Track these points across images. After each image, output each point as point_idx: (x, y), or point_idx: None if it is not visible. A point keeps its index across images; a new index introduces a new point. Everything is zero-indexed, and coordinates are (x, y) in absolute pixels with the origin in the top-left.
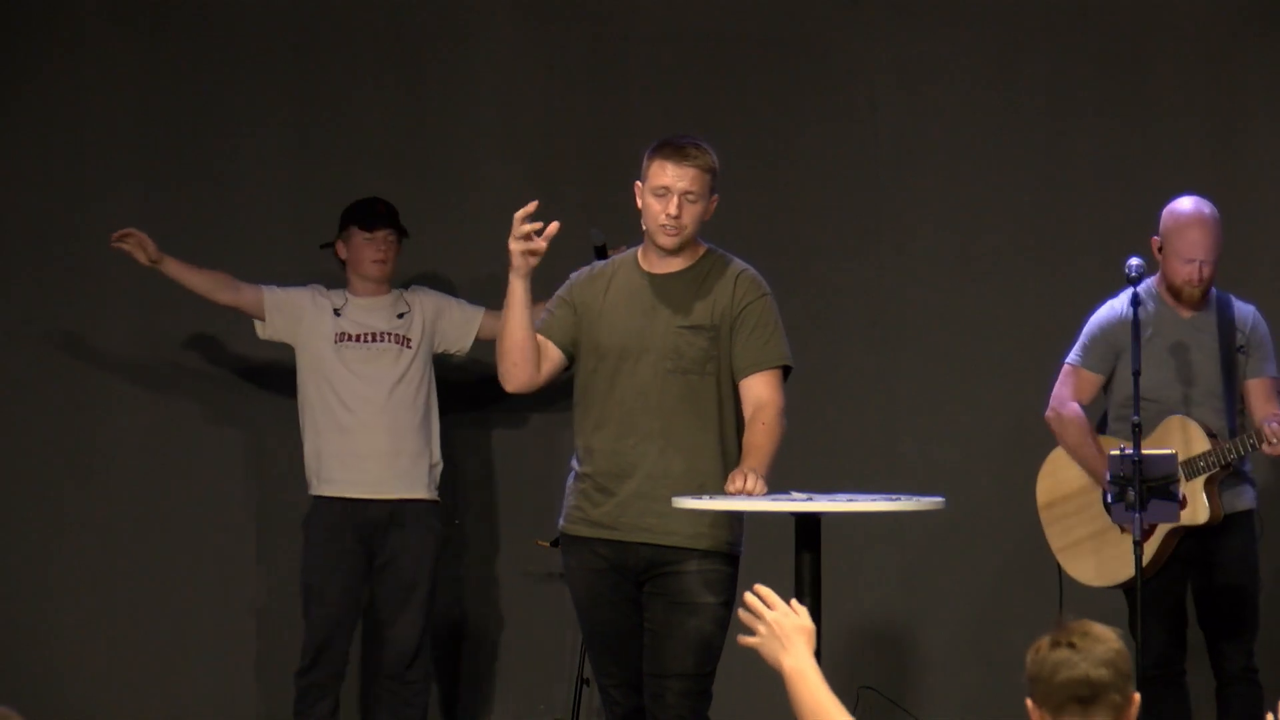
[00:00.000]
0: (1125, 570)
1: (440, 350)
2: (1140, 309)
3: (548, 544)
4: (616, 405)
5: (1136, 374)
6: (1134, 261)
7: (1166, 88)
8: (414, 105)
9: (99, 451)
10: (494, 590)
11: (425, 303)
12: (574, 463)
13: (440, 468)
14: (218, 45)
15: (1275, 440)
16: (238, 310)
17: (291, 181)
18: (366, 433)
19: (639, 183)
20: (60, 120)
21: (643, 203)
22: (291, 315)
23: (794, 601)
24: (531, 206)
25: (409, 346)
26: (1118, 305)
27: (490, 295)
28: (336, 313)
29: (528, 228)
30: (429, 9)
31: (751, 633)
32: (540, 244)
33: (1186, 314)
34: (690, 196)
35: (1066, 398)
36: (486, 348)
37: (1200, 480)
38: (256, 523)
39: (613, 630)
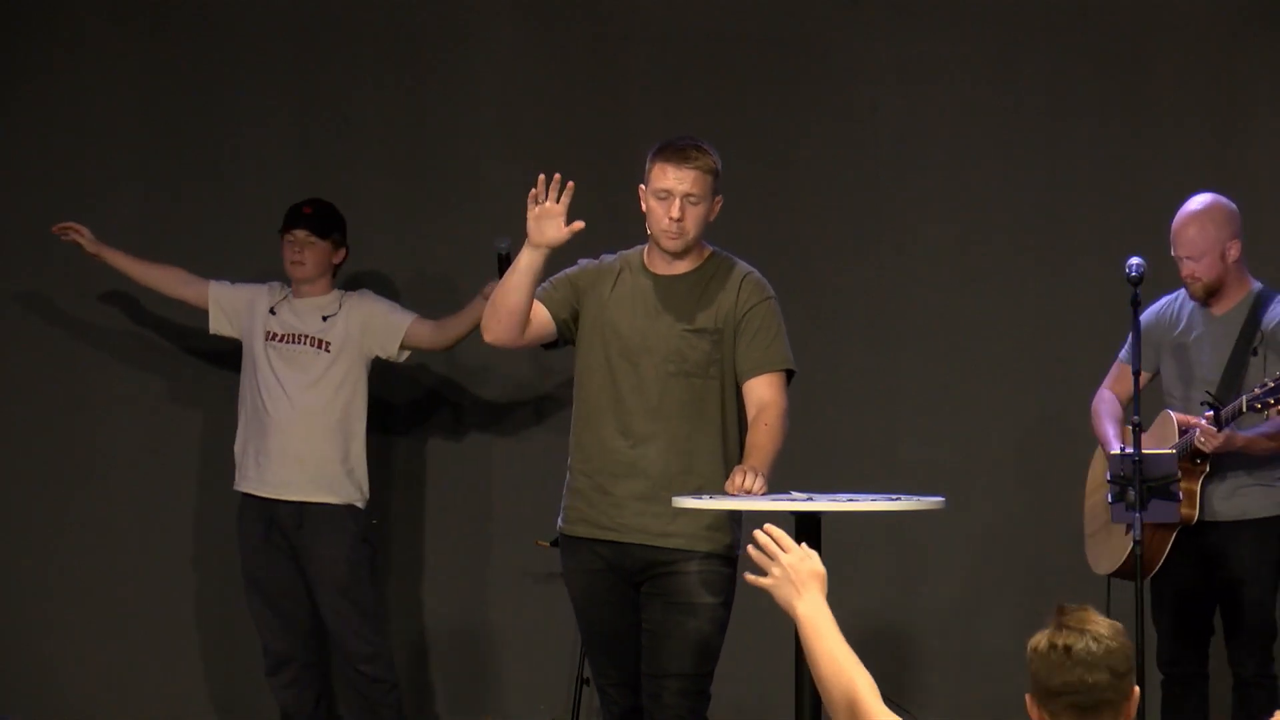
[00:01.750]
0: (1111, 563)
1: (371, 355)
2: (1180, 307)
3: (548, 544)
4: (617, 405)
5: (1137, 374)
6: (1134, 261)
7: (1166, 88)
8: (414, 105)
9: (99, 451)
10: (494, 590)
11: (356, 307)
12: (571, 461)
13: (361, 475)
14: (218, 45)
15: (1204, 439)
16: (186, 304)
17: (292, 181)
18: (279, 433)
19: (642, 185)
20: (60, 120)
21: (646, 206)
22: (233, 311)
23: (804, 545)
24: (555, 178)
25: (327, 350)
26: (1161, 302)
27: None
28: (272, 311)
29: (539, 192)
30: (429, 9)
31: (760, 571)
32: (551, 206)
33: (1218, 311)
34: (692, 199)
35: (1104, 387)
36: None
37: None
38: None
39: (610, 630)
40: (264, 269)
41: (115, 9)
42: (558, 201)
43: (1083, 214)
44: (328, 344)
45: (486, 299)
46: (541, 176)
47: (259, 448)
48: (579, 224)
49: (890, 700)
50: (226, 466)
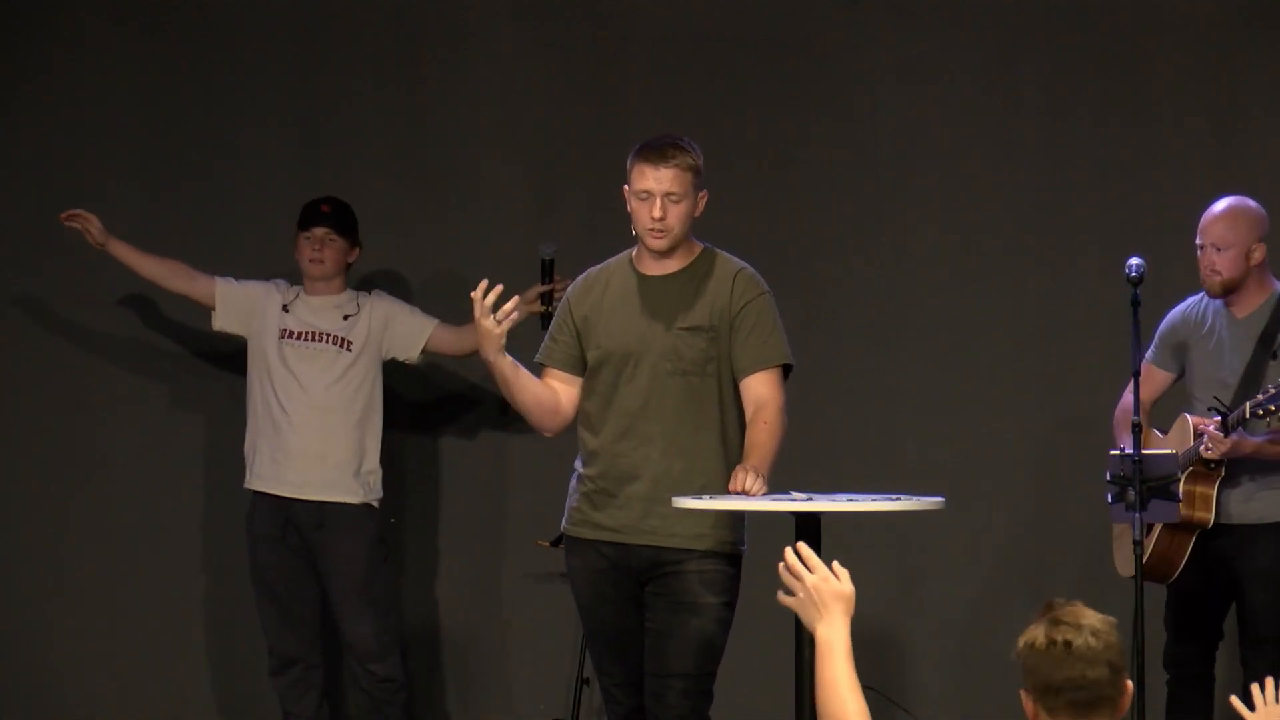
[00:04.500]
0: (1133, 566)
1: (389, 357)
2: (1204, 308)
3: (548, 544)
4: (617, 409)
5: (1136, 374)
6: (1134, 261)
7: (1166, 88)
8: (414, 105)
9: (99, 451)
10: (494, 590)
11: (377, 307)
12: (577, 464)
13: (378, 474)
14: (218, 45)
15: (1210, 445)
16: (189, 299)
17: (291, 181)
18: (296, 432)
19: (626, 187)
20: (60, 120)
21: (630, 207)
22: (243, 308)
23: (835, 564)
24: (483, 285)
25: (349, 349)
26: (1187, 303)
27: None
28: (285, 309)
29: (483, 303)
30: (429, 9)
31: (790, 591)
32: (495, 329)
33: (1240, 314)
34: (673, 197)
35: (1126, 393)
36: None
37: (1180, 478)
38: None
39: (615, 630)
40: (263, 268)
41: (115, 9)
42: (497, 318)
43: (1083, 214)
44: (349, 343)
45: (529, 303)
46: (477, 294)
47: (275, 446)
48: (512, 311)
49: (890, 700)
50: (227, 466)
